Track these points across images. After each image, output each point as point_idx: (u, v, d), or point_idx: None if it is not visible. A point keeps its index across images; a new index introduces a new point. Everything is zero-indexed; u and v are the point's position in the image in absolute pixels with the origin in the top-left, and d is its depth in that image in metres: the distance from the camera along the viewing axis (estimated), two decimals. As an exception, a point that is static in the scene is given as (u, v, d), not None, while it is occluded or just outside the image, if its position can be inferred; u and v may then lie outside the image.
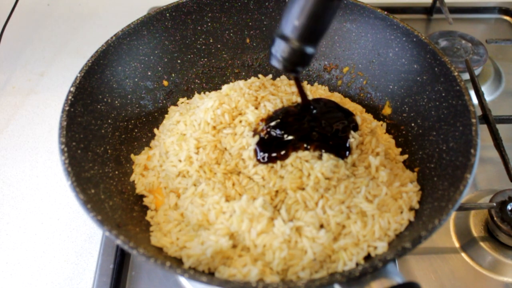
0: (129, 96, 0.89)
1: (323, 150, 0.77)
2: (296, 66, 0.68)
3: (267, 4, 0.98)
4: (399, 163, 0.84)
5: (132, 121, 0.89)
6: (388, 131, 0.91)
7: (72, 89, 0.77)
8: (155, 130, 0.92)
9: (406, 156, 0.85)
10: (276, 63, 0.68)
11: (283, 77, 1.00)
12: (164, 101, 0.96)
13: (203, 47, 0.99)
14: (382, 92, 0.94)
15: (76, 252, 0.88)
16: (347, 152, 0.78)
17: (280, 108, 0.84)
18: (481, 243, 0.85)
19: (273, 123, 0.81)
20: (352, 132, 0.81)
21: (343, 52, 0.99)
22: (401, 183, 0.78)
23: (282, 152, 0.77)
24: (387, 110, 0.93)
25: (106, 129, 0.82)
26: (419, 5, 1.37)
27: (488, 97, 1.13)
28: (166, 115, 0.94)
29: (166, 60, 0.96)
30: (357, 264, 0.70)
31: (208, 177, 0.79)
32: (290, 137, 0.79)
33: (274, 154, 0.78)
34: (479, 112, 0.98)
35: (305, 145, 0.78)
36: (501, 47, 1.26)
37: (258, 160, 0.78)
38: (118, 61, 0.88)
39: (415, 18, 1.37)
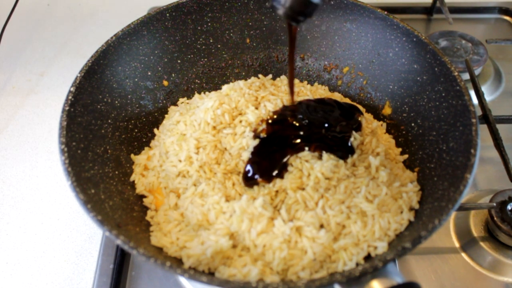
0: (129, 96, 0.89)
1: (323, 151, 0.77)
2: (298, 14, 0.62)
3: (267, 4, 0.98)
4: (399, 163, 0.84)
5: (132, 121, 0.89)
6: (388, 131, 0.91)
7: (72, 89, 0.77)
8: (155, 130, 0.92)
9: (406, 156, 0.85)
10: (277, 6, 0.62)
11: (283, 77, 1.00)
12: (164, 101, 0.96)
13: (203, 47, 0.99)
14: (382, 92, 0.94)
15: (76, 252, 0.88)
16: (350, 154, 0.79)
17: (281, 108, 0.84)
18: (481, 243, 0.85)
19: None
20: (353, 132, 0.81)
21: (343, 52, 0.99)
22: (401, 183, 0.78)
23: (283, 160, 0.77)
24: (387, 110, 0.93)
25: (106, 129, 0.82)
26: (419, 5, 1.37)
27: (488, 97, 1.13)
28: (166, 115, 0.94)
29: (166, 60, 0.96)
30: (357, 264, 0.70)
31: (208, 177, 0.79)
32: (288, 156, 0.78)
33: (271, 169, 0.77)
34: (479, 112, 0.98)
35: (306, 148, 0.78)
36: (501, 47, 1.26)
37: (247, 179, 0.77)
38: (118, 61, 0.87)
39: (415, 18, 1.37)
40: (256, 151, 0.79)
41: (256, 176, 0.76)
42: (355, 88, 0.98)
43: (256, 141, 0.80)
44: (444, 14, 1.24)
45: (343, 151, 0.78)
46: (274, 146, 0.79)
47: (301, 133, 0.79)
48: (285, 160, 0.77)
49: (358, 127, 0.83)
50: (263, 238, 0.70)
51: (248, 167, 0.78)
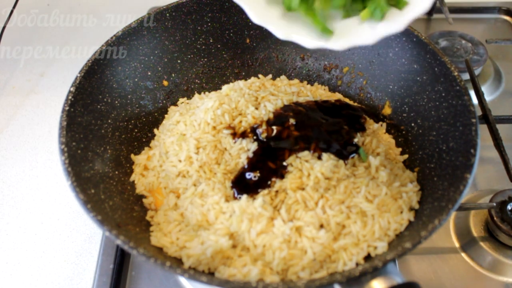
0: (129, 96, 0.89)
1: (323, 152, 0.77)
2: None
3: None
4: (399, 163, 0.84)
5: (132, 121, 0.89)
6: (388, 131, 0.91)
7: (72, 89, 0.77)
8: (155, 130, 0.92)
9: (406, 156, 0.85)
10: None
11: (283, 77, 1.00)
12: (164, 101, 0.96)
13: (203, 47, 0.99)
14: (382, 92, 0.94)
15: (76, 252, 0.88)
16: (351, 155, 0.79)
17: (282, 108, 0.84)
18: (481, 243, 0.85)
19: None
20: (357, 134, 0.81)
21: (343, 52, 0.98)
22: (401, 183, 0.78)
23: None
24: (387, 110, 0.93)
25: (106, 129, 0.82)
26: (419, 5, 1.37)
27: (488, 97, 1.13)
28: (166, 115, 0.94)
29: (166, 60, 0.96)
30: (357, 264, 0.70)
31: (208, 177, 0.79)
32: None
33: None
34: (479, 112, 0.98)
35: (307, 150, 0.78)
36: (501, 47, 1.26)
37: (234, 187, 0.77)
38: (118, 61, 0.88)
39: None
40: (255, 158, 0.79)
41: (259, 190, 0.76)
42: (355, 88, 0.98)
43: (256, 144, 0.80)
44: (444, 14, 1.24)
45: (346, 150, 0.79)
46: (273, 150, 0.79)
47: (302, 134, 0.79)
48: (284, 162, 0.77)
49: (362, 129, 0.83)
50: (263, 238, 0.70)
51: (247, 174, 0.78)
